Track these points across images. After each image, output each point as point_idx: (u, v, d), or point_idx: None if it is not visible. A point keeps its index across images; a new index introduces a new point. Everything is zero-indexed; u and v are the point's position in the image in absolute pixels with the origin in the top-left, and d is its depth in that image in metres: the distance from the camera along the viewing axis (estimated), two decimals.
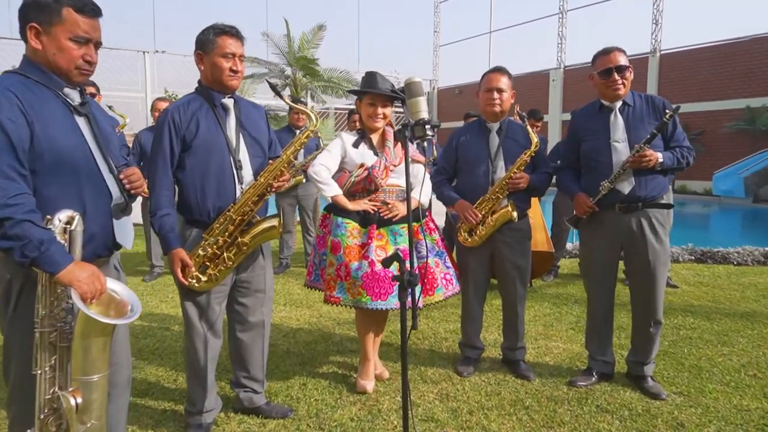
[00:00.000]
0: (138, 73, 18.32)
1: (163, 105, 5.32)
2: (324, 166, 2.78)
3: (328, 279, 2.75)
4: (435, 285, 2.80)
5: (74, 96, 1.75)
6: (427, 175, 3.02)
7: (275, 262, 6.05)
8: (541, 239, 4.82)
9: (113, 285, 1.66)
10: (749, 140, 14.80)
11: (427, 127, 1.92)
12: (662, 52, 17.12)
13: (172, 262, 2.22)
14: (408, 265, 1.95)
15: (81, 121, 1.75)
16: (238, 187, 2.30)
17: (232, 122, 2.34)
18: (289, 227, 5.88)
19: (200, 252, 2.25)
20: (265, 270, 2.50)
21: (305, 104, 5.67)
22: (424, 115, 1.94)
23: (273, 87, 2.40)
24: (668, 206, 2.78)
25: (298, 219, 6.11)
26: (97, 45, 1.75)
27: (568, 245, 6.05)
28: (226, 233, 2.24)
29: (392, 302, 2.63)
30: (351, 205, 2.76)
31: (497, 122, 2.99)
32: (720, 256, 6.34)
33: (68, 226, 1.59)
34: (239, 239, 2.25)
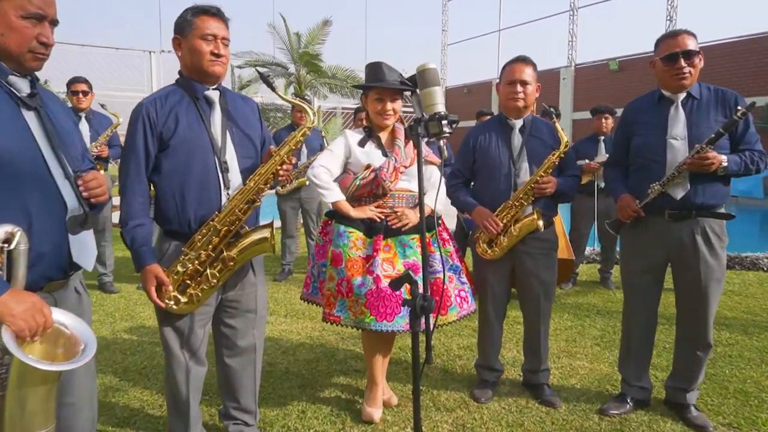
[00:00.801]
0: (144, 73, 18.25)
1: None
2: (325, 168, 2.47)
3: (327, 294, 2.44)
4: (448, 303, 2.48)
5: (22, 85, 1.46)
6: (442, 179, 2.71)
7: (276, 268, 5.77)
8: (561, 245, 4.46)
9: (62, 317, 1.36)
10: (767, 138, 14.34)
11: (444, 122, 1.60)
12: None
13: (145, 280, 1.92)
14: (421, 285, 1.64)
15: (29, 116, 1.46)
16: (224, 192, 1.99)
17: (217, 118, 2.03)
18: (291, 232, 5.59)
19: (179, 268, 1.94)
20: (256, 287, 2.19)
21: (305, 100, 5.35)
22: (441, 108, 1.62)
23: (264, 78, 2.09)
24: (727, 216, 2.43)
25: (302, 222, 5.82)
26: (53, 23, 1.48)
27: (587, 249, 5.69)
28: (210, 246, 1.94)
29: (400, 323, 2.32)
30: (355, 212, 2.45)
31: (520, 119, 2.65)
32: (749, 262, 5.97)
33: (6, 245, 1.30)
34: (225, 253, 1.95)
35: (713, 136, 2.29)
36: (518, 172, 2.60)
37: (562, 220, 4.79)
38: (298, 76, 7.43)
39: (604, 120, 5.04)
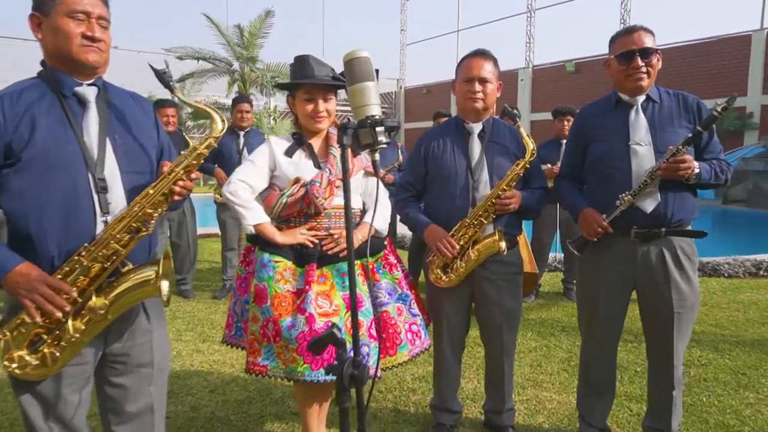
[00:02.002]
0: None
1: (171, 111, 4.71)
2: (244, 184, 2.04)
3: (251, 340, 2.01)
4: (398, 341, 2.09)
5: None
6: (386, 193, 2.31)
7: (217, 283, 5.27)
8: (522, 258, 4.15)
9: None
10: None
11: (380, 129, 1.20)
12: None
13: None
14: (351, 345, 1.24)
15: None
16: (99, 219, 1.52)
17: (92, 122, 1.56)
18: (232, 244, 5.10)
19: (26, 319, 1.46)
20: (151, 335, 1.72)
21: (247, 98, 4.87)
22: (375, 110, 1.23)
23: (158, 74, 1.62)
24: (699, 234, 2.13)
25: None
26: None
27: (550, 255, 5.38)
28: (75, 290, 1.47)
29: None
30: (282, 237, 2.02)
31: (479, 122, 2.27)
32: (710, 268, 5.84)
33: None
34: (94, 301, 1.48)
35: (690, 135, 1.98)
36: (477, 184, 2.21)
37: (523, 230, 4.48)
38: (242, 73, 6.89)
39: (566, 122, 4.75)
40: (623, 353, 3.46)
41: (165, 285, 1.57)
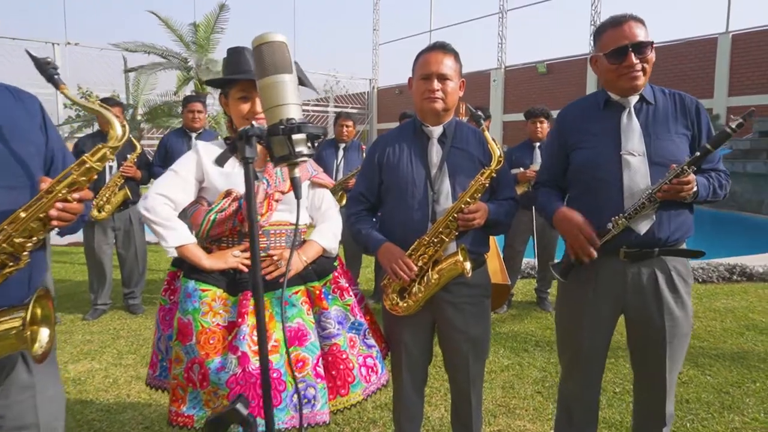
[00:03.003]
0: None
1: (117, 111, 4.35)
2: (164, 198, 1.71)
3: (173, 385, 1.69)
4: (350, 379, 1.79)
5: None
6: (336, 206, 2.01)
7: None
8: (494, 268, 3.90)
9: None
10: None
11: (298, 138, 0.91)
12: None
13: None
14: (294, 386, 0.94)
15: None
16: None
17: None
18: None
19: None
20: (34, 390, 1.39)
21: (198, 98, 4.51)
22: (292, 111, 0.93)
23: (39, 64, 1.29)
24: (696, 253, 1.88)
25: None
26: None
27: (524, 260, 5.13)
28: None
29: (282, 418, 1.62)
30: (209, 261, 1.70)
31: (440, 125, 1.98)
32: None
33: None
34: None
35: (698, 154, 1.72)
36: (437, 196, 1.92)
37: (494, 238, 4.24)
38: (198, 70, 6.47)
39: (538, 124, 4.53)
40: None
41: (44, 333, 1.24)
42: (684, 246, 1.89)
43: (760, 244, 7.15)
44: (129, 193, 4.34)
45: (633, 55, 1.77)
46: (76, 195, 1.25)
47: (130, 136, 4.46)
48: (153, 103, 7.59)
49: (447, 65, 1.89)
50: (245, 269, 1.72)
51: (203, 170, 1.75)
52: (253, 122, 0.94)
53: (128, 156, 4.33)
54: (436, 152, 1.95)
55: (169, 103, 6.75)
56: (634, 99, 1.86)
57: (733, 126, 1.67)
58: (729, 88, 14.12)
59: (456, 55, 1.93)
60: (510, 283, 4.18)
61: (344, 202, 4.57)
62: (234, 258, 1.71)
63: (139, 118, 6.82)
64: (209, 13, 6.11)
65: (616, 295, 1.90)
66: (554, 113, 5.01)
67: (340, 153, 4.79)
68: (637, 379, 2.01)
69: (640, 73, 1.80)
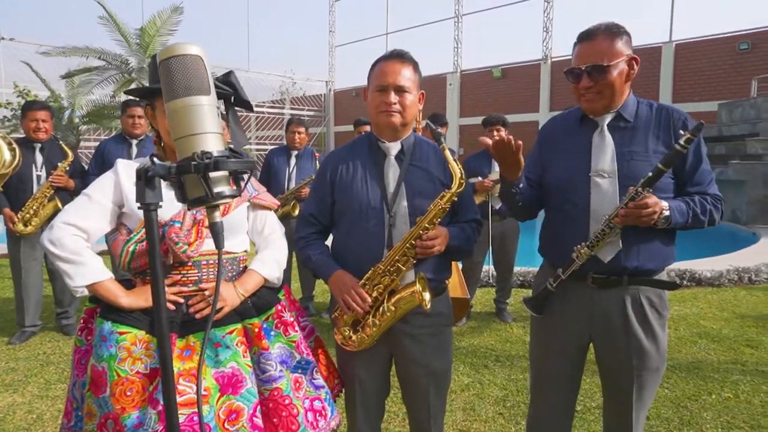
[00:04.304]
0: None
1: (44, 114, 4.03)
2: (72, 228, 1.48)
3: None
4: (294, 426, 1.60)
5: None
6: (281, 230, 1.82)
7: None
8: (453, 282, 3.75)
9: None
10: None
11: (217, 176, 0.72)
12: (554, 59, 17.31)
13: None
14: None
15: None
16: None
17: None
18: None
19: None
20: None
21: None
22: (211, 142, 0.75)
23: None
24: (670, 285, 1.79)
25: None
26: None
27: (483, 267, 5.04)
28: None
29: None
30: (128, 298, 1.49)
31: (397, 141, 1.82)
32: None
33: None
34: None
35: (651, 174, 1.61)
36: (394, 220, 1.75)
37: None
38: (141, 73, 5.98)
39: (496, 132, 4.45)
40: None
41: None
42: (663, 276, 1.78)
43: (706, 248, 7.35)
44: (60, 204, 3.98)
45: (587, 78, 1.67)
46: None
47: (60, 143, 4.11)
48: (97, 103, 7.12)
49: (405, 76, 1.73)
50: (173, 307, 1.51)
51: (122, 193, 1.53)
52: (155, 159, 0.75)
53: (58, 164, 3.97)
54: (393, 171, 1.79)
55: (108, 105, 6.32)
56: (608, 117, 1.75)
57: (682, 142, 1.57)
58: (672, 95, 14.70)
59: (415, 65, 1.78)
60: (469, 297, 4.08)
61: (297, 212, 4.36)
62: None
63: (76, 120, 6.36)
64: (159, 13, 5.73)
65: (583, 322, 1.81)
66: (509, 117, 4.99)
67: (293, 160, 4.59)
68: (605, 410, 1.93)
69: (595, 97, 1.70)
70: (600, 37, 1.67)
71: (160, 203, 0.75)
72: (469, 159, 4.69)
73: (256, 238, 1.74)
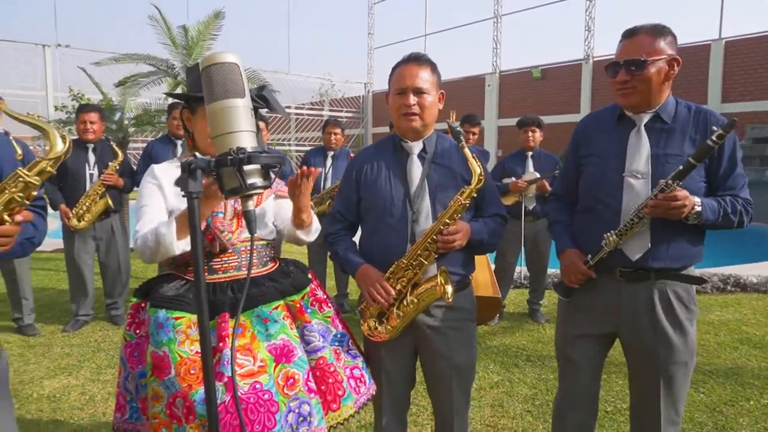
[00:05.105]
0: (37, 69, 16.47)
1: (93, 117, 4.21)
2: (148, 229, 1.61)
3: (155, 425, 1.56)
4: (340, 392, 1.70)
5: None
6: (315, 219, 1.92)
7: None
8: (484, 281, 3.82)
9: None
10: None
11: (250, 169, 0.82)
12: (596, 59, 16.95)
13: None
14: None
15: None
16: None
17: None
18: None
19: None
20: None
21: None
22: (245, 140, 0.85)
23: None
24: (697, 280, 1.80)
25: None
26: None
27: (516, 268, 5.05)
28: None
29: None
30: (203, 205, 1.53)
31: (419, 140, 1.89)
32: None
33: None
34: None
35: (681, 168, 1.64)
36: (417, 216, 1.82)
37: None
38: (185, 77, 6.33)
39: (531, 133, 4.46)
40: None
41: None
42: (691, 271, 1.81)
43: (753, 253, 7.09)
44: (110, 201, 4.23)
45: (623, 71, 1.71)
46: (19, 217, 1.16)
47: (111, 143, 4.36)
48: (146, 106, 7.47)
49: (423, 78, 1.80)
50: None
51: (164, 194, 1.65)
52: (196, 153, 0.86)
53: (109, 164, 4.23)
54: (415, 169, 1.86)
55: (156, 110, 6.64)
56: (646, 116, 1.77)
57: (714, 138, 1.60)
58: (722, 95, 14.14)
59: (433, 67, 1.84)
60: (501, 296, 4.10)
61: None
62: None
63: (126, 122, 6.70)
64: (204, 19, 5.98)
65: (611, 314, 1.85)
66: (549, 119, 4.94)
67: (329, 161, 4.72)
68: (632, 409, 1.95)
69: (630, 92, 1.73)
70: (643, 34, 1.71)
71: (197, 195, 0.84)
72: (504, 160, 4.71)
73: (283, 225, 1.82)
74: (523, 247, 4.59)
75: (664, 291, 1.77)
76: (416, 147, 1.88)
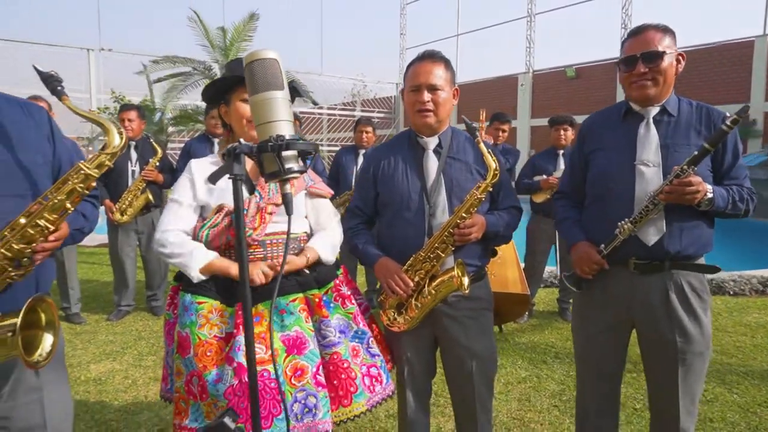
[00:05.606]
0: (81, 73, 17.16)
1: (132, 115, 4.37)
2: (176, 233, 1.73)
3: (176, 398, 1.71)
4: (352, 389, 1.77)
5: None
6: (336, 216, 1.99)
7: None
8: (513, 278, 3.86)
9: None
10: None
11: (288, 154, 0.90)
12: None
13: None
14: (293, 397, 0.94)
15: None
16: None
17: None
18: None
19: None
20: (41, 392, 1.43)
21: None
22: (284, 128, 0.93)
23: (44, 77, 1.33)
24: (711, 269, 1.82)
25: None
26: None
27: (546, 268, 5.04)
28: None
29: (282, 428, 1.61)
30: (235, 269, 1.69)
31: (434, 136, 1.96)
32: (714, 286, 5.51)
33: None
34: None
35: (696, 153, 1.68)
36: (433, 210, 1.88)
37: (515, 246, 4.17)
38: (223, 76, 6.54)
39: (562, 132, 4.46)
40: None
41: (47, 340, 1.27)
42: (702, 262, 1.83)
43: None
44: (151, 196, 4.43)
45: (642, 63, 1.74)
46: (51, 237, 1.27)
47: (152, 140, 4.56)
48: (182, 107, 7.77)
49: (437, 75, 1.85)
50: (261, 281, 1.70)
51: (195, 188, 1.76)
52: (241, 140, 0.94)
53: (150, 160, 4.42)
54: (431, 164, 1.92)
55: (194, 110, 6.90)
56: (654, 110, 1.82)
57: (729, 123, 1.64)
58: (766, 91, 13.65)
59: (446, 63, 1.90)
60: (529, 293, 4.11)
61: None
62: (259, 273, 1.69)
63: (166, 122, 6.98)
64: (239, 21, 6.19)
65: (625, 306, 1.88)
66: (583, 118, 4.90)
67: (360, 159, 4.80)
68: (650, 396, 1.96)
69: (649, 83, 1.77)
70: (652, 30, 1.77)
71: (241, 177, 0.93)
72: (535, 157, 4.72)
73: (313, 224, 1.92)
74: (556, 245, 4.58)
75: (678, 281, 1.80)
76: (432, 142, 1.93)
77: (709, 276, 5.46)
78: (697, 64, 14.96)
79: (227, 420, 0.92)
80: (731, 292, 5.40)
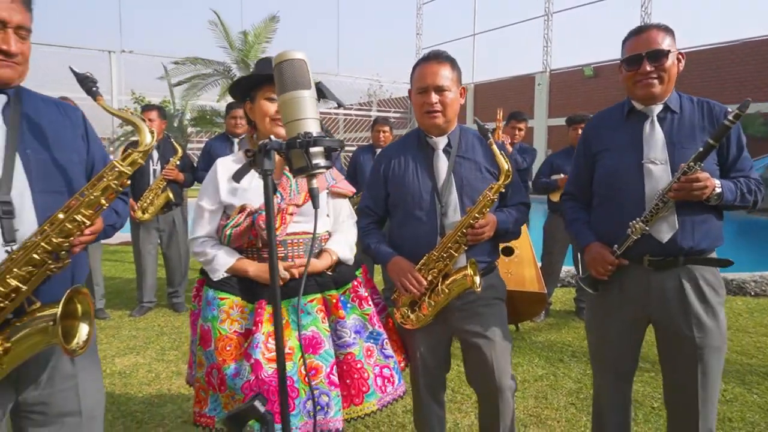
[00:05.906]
0: (103, 75, 17.47)
1: (152, 115, 4.47)
2: (200, 239, 1.81)
3: (197, 387, 1.77)
4: (364, 388, 1.79)
5: None
6: (353, 217, 2.02)
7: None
8: (530, 276, 3.87)
9: None
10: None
11: (315, 150, 0.95)
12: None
13: None
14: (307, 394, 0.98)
15: None
16: (1, 248, 1.30)
17: None
18: None
19: None
20: (76, 379, 1.49)
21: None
22: (311, 125, 0.98)
23: (80, 79, 1.41)
24: (724, 262, 1.83)
25: None
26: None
27: (563, 268, 5.02)
28: None
29: (296, 424, 1.65)
30: (252, 269, 1.76)
31: (443, 135, 1.97)
32: (735, 286, 5.44)
33: None
34: None
35: (701, 150, 1.70)
36: (445, 209, 1.91)
37: (531, 245, 4.18)
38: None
39: (580, 131, 4.44)
40: (638, 385, 3.15)
41: (83, 329, 1.33)
42: (714, 255, 1.84)
43: None
44: (172, 195, 4.52)
45: (647, 62, 1.76)
46: (87, 231, 1.33)
47: (172, 140, 4.66)
48: (200, 108, 7.91)
49: (443, 76, 1.87)
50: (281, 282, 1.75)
51: (219, 189, 1.80)
52: (271, 136, 0.99)
53: (170, 159, 4.52)
54: (442, 163, 1.95)
55: (213, 111, 7.01)
56: (657, 108, 1.84)
57: (731, 118, 1.66)
58: None
59: (452, 63, 1.92)
60: (546, 292, 4.11)
61: None
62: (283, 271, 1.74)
63: (186, 122, 7.11)
64: (259, 24, 6.27)
65: (641, 303, 1.89)
66: None
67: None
68: (667, 394, 1.96)
69: (655, 81, 1.79)
70: (654, 30, 1.80)
71: (271, 171, 0.97)
72: (552, 156, 4.72)
73: (332, 224, 1.95)
74: (570, 246, 4.57)
75: (693, 276, 1.81)
76: (441, 142, 1.96)
77: (730, 276, 5.45)
78: (720, 62, 14.71)
79: (257, 403, 0.96)
80: (752, 293, 5.34)
